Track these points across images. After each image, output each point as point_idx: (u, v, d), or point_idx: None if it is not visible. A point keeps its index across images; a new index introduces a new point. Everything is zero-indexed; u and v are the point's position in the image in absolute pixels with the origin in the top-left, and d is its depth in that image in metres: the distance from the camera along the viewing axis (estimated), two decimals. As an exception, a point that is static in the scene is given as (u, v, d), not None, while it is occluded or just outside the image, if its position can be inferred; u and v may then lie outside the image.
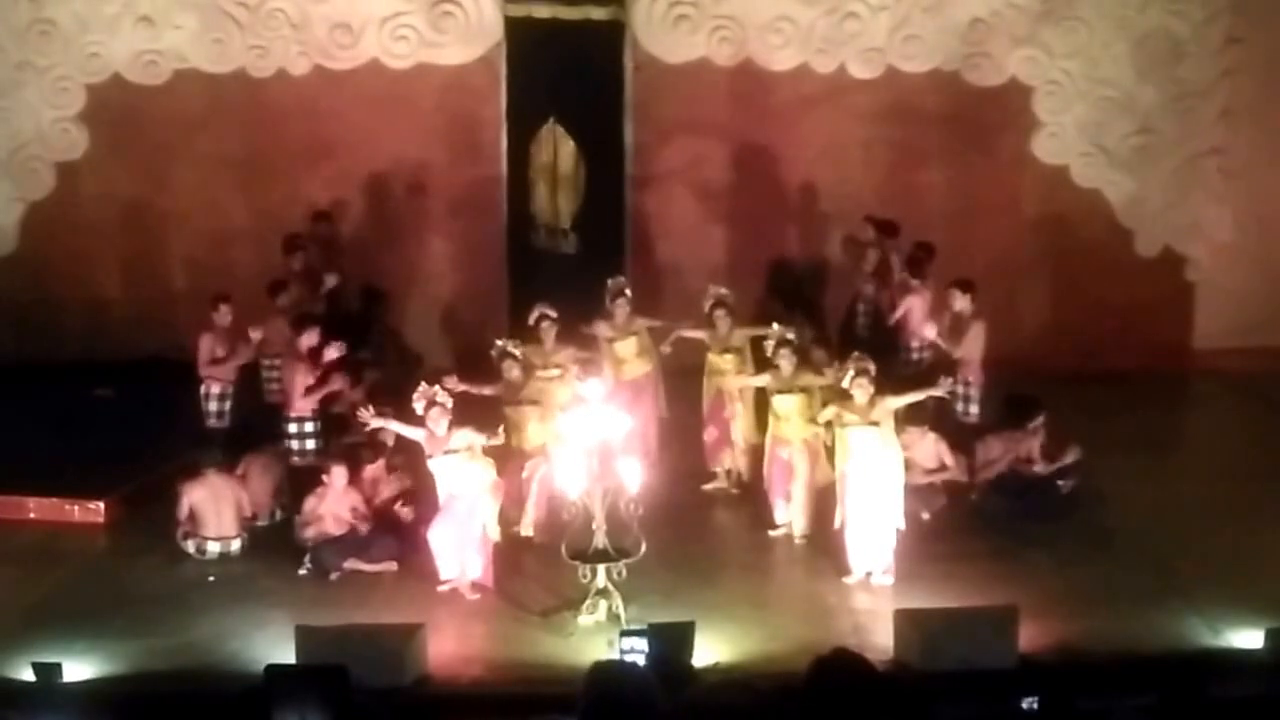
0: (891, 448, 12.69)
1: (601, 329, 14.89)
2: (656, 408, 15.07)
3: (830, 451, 13.33)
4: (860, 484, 12.59)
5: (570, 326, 14.60)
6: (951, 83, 18.31)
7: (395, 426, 12.98)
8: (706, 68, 18.28)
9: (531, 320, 14.34)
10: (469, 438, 12.55)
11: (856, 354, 13.02)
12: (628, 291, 15.11)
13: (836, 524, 12.72)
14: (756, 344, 14.41)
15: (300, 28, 18.14)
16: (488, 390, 13.78)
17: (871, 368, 12.78)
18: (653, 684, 6.05)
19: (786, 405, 13.59)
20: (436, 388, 12.65)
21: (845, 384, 12.74)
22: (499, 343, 13.99)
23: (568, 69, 17.84)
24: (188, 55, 18.22)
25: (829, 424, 13.06)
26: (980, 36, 18.19)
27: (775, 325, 13.88)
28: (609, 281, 15.18)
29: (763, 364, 14.11)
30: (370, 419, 12.91)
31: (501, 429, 12.99)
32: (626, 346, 14.99)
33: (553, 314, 14.32)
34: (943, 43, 18.21)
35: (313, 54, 18.21)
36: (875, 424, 12.61)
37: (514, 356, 13.80)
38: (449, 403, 12.62)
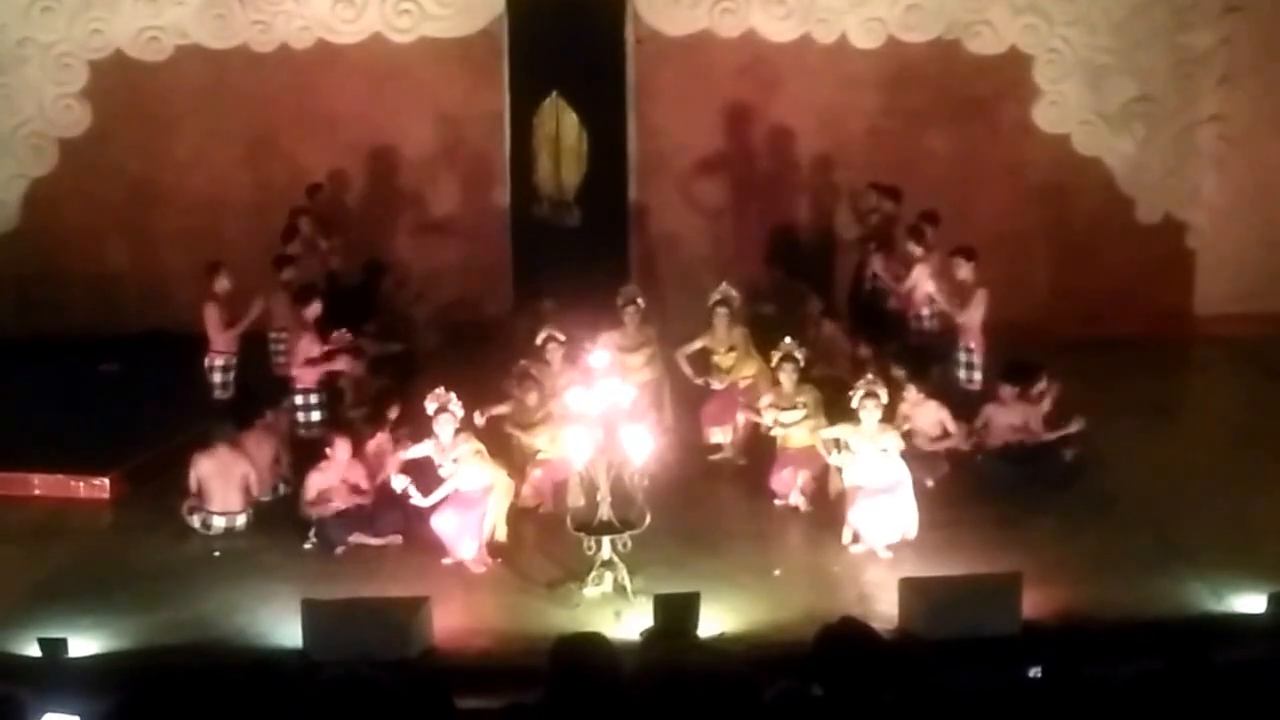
0: (899, 463, 12.69)
1: (613, 339, 14.68)
2: (661, 416, 14.82)
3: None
4: (870, 504, 12.54)
5: (571, 302, 14.58)
6: (953, 51, 18.30)
7: (412, 453, 12.97)
8: (708, 40, 18.26)
9: (539, 341, 14.28)
10: (474, 445, 12.63)
11: (869, 376, 13.00)
12: (639, 300, 15.09)
13: (844, 540, 12.71)
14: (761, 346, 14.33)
15: (302, 2, 18.14)
16: (499, 410, 13.76)
17: (882, 392, 12.76)
18: (617, 655, 6.08)
19: (790, 421, 13.58)
20: (451, 394, 12.68)
21: (854, 405, 12.74)
22: (521, 363, 14.00)
23: (569, 42, 17.80)
24: (189, 31, 18.23)
25: (836, 442, 13.02)
26: (981, 5, 18.18)
27: (786, 340, 13.78)
28: (621, 289, 15.19)
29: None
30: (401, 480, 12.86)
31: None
32: (636, 358, 14.93)
33: (560, 336, 14.26)
34: (944, 11, 18.20)
35: (315, 29, 18.22)
36: (885, 450, 12.60)
37: (535, 380, 13.80)
38: (460, 411, 12.65)
